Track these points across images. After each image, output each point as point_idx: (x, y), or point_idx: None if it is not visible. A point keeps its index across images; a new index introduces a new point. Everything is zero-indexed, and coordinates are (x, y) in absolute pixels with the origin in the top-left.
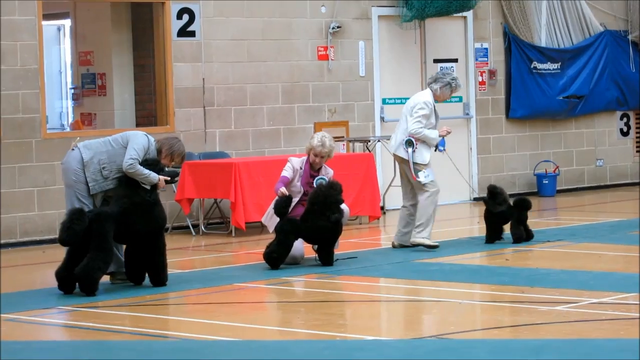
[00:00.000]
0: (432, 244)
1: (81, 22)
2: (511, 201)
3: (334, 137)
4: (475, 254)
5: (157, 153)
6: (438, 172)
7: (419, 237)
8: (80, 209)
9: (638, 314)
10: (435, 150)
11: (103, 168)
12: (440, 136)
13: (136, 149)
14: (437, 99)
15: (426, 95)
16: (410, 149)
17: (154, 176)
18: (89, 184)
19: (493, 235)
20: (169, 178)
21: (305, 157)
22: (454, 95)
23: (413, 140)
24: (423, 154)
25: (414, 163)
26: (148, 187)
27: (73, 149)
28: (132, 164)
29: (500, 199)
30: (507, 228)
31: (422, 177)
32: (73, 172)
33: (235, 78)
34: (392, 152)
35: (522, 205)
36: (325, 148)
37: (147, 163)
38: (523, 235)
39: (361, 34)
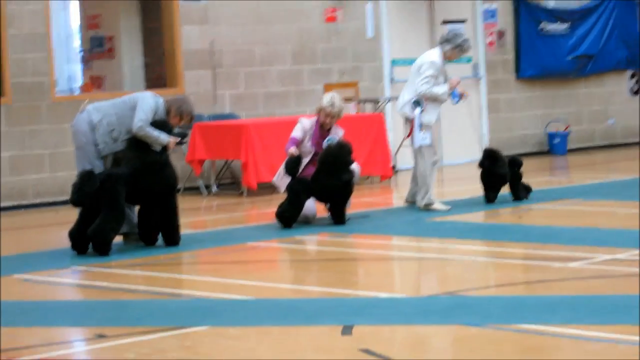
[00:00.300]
0: (442, 207)
1: None
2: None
3: (344, 98)
4: (488, 212)
5: (166, 113)
6: (448, 132)
7: (425, 204)
8: (90, 171)
9: None
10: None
11: (112, 130)
12: (451, 88)
13: (145, 110)
14: (446, 59)
15: (433, 55)
16: (418, 109)
17: (163, 137)
18: (99, 146)
19: (493, 196)
20: (178, 139)
21: (315, 118)
22: (463, 56)
23: (421, 100)
24: (430, 115)
25: (420, 123)
26: (158, 149)
27: (82, 111)
28: (141, 126)
29: (502, 161)
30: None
31: (420, 138)
32: (83, 134)
33: (243, 40)
34: (398, 111)
35: (514, 163)
36: (335, 108)
37: (155, 124)
38: (522, 193)
39: None
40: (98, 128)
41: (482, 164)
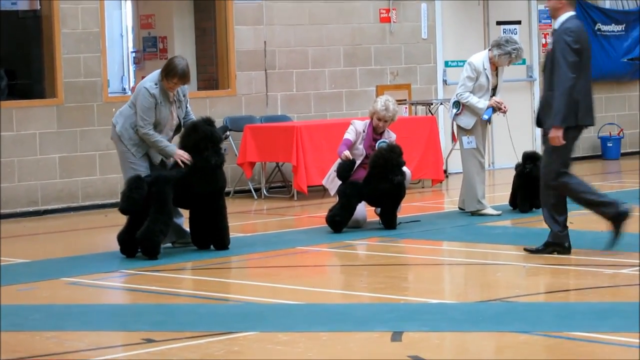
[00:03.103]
0: (493, 212)
1: None
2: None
3: (397, 100)
4: (539, 217)
5: (160, 81)
6: (497, 135)
7: (474, 210)
8: (137, 177)
9: None
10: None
11: (136, 131)
12: (489, 106)
13: (141, 113)
14: (493, 64)
15: (477, 57)
16: (454, 110)
17: (170, 149)
18: (132, 150)
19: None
20: (187, 159)
21: (368, 121)
22: (511, 64)
23: (460, 102)
24: (467, 118)
25: (458, 126)
26: (157, 160)
27: (113, 123)
28: (144, 132)
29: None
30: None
31: (465, 142)
32: (117, 145)
33: (296, 41)
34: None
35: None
36: (389, 112)
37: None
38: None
39: None
40: (124, 134)
41: (523, 170)
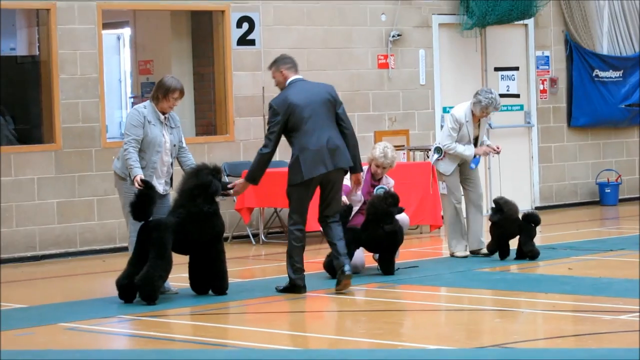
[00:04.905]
0: (460, 255)
1: (141, 31)
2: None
3: (395, 146)
4: (538, 263)
5: (155, 102)
6: (497, 181)
7: (452, 250)
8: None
9: None
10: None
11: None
12: (475, 154)
13: (126, 130)
14: (474, 115)
15: (459, 109)
16: (436, 155)
17: (134, 171)
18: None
19: (500, 250)
20: (139, 179)
21: (366, 167)
22: (498, 110)
23: (442, 148)
24: (447, 165)
25: (437, 171)
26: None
27: (113, 169)
28: (125, 148)
29: (496, 208)
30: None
31: (440, 187)
32: (121, 185)
33: None
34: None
35: (531, 220)
36: (387, 159)
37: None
38: (536, 250)
39: (421, 42)
40: (124, 172)
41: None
